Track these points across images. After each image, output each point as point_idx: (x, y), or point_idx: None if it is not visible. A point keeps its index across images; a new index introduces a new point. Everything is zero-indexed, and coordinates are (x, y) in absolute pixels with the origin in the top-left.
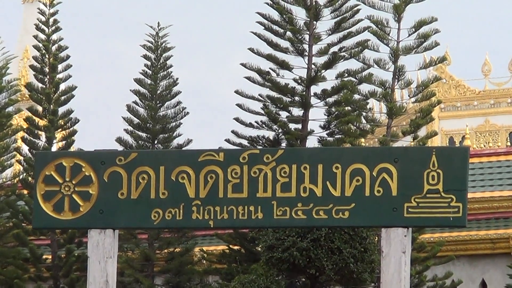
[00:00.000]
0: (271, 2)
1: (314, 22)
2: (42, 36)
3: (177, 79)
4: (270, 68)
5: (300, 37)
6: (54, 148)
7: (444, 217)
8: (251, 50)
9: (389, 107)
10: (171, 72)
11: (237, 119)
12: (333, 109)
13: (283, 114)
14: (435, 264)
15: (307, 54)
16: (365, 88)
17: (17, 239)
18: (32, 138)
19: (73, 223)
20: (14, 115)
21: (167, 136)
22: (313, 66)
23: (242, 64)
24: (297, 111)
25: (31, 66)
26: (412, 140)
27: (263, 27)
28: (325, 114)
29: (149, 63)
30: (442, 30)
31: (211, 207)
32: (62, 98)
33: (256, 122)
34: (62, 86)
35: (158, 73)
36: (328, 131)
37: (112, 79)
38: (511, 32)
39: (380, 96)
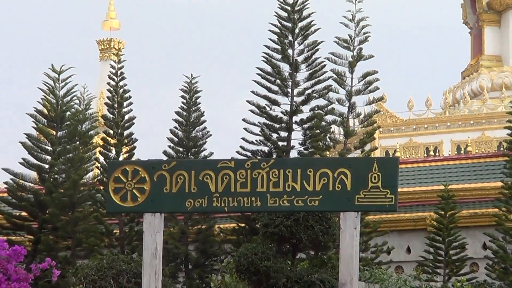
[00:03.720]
0: (266, 60)
1: (295, 73)
2: (113, 83)
3: (203, 112)
4: (265, 104)
5: (285, 83)
6: (120, 158)
7: (382, 205)
8: (253, 92)
9: (345, 130)
10: (200, 107)
11: (243, 139)
12: (307, 132)
13: (274, 135)
14: (376, 236)
15: (290, 95)
16: (329, 118)
17: (96, 219)
18: (106, 152)
19: (134, 209)
20: (94, 136)
21: (197, 150)
22: (294, 103)
23: (247, 101)
24: (283, 133)
25: (106, 103)
26: (360, 153)
27: (261, 77)
28: (302, 135)
29: (184, 100)
30: (381, 78)
31: (226, 198)
32: (126, 125)
33: (256, 140)
34: (126, 117)
35: (191, 108)
36: (304, 146)
37: (159, 112)
38: (427, 80)
39: (339, 123)
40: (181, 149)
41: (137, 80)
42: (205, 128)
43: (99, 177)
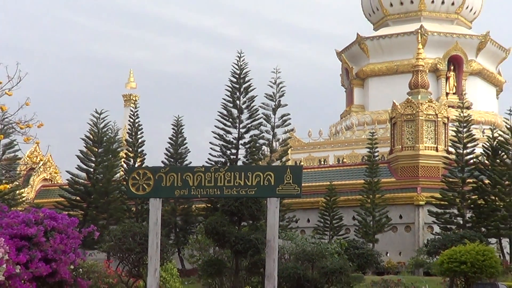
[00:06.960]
0: (223, 106)
1: (240, 115)
2: (132, 120)
3: (186, 137)
4: (223, 133)
5: (235, 121)
6: (136, 165)
7: (292, 193)
8: (216, 126)
9: (270, 149)
10: (184, 134)
11: (210, 154)
12: (248, 150)
13: (228, 152)
14: (288, 212)
15: (237, 128)
16: (261, 141)
17: (121, 202)
18: (127, 161)
19: (143, 196)
20: (120, 152)
21: (182, 160)
22: (240, 132)
23: (212, 131)
24: (234, 151)
25: (127, 132)
26: (280, 163)
27: (220, 117)
28: (245, 152)
29: (174, 131)
30: (292, 117)
31: (199, 189)
32: (140, 145)
33: (217, 155)
34: (139, 140)
35: (178, 135)
36: (246, 159)
37: (159, 137)
38: (320, 118)
39: (267, 145)
40: (172, 160)
41: (146, 118)
42: (186, 147)
43: (123, 177)
